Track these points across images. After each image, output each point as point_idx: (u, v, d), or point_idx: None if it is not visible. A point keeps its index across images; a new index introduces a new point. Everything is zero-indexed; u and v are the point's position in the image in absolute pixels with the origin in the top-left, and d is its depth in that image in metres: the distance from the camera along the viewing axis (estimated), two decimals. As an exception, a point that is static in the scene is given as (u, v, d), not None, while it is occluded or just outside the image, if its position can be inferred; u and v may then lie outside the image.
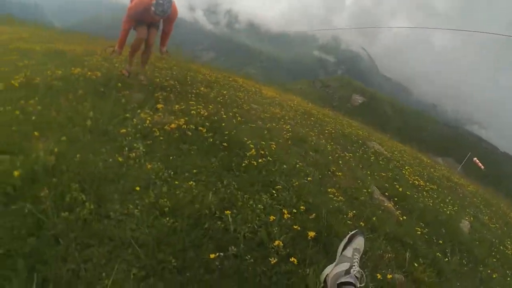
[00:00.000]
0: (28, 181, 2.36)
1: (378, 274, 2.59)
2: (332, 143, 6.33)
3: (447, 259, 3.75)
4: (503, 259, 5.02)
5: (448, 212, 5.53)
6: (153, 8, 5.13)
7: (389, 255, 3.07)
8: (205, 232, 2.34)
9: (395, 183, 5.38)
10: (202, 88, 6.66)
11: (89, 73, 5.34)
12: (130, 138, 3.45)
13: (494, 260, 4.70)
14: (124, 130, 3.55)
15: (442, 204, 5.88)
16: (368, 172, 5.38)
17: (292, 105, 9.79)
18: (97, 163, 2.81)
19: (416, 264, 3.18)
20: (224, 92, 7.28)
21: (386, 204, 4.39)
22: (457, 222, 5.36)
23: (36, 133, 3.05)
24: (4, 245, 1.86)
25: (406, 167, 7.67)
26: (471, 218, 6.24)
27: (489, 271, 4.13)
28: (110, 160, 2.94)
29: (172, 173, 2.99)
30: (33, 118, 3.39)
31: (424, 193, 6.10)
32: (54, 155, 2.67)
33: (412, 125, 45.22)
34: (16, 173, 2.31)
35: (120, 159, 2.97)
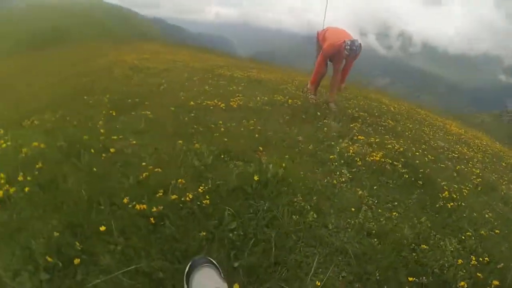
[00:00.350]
0: (263, 185, 3.09)
1: None
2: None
3: None
4: None
5: None
6: (346, 52, 6.03)
7: None
8: (402, 259, 2.76)
9: None
10: (389, 121, 7.04)
11: (290, 100, 6.30)
12: (336, 164, 4.10)
13: None
14: (332, 156, 4.22)
15: None
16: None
17: (479, 144, 9.36)
18: (315, 181, 3.50)
19: None
20: (410, 126, 7.53)
21: None
22: None
23: (261, 148, 3.90)
24: (245, 229, 2.52)
25: None
26: None
27: None
28: (325, 180, 3.60)
29: (376, 201, 3.50)
30: (256, 135, 4.30)
31: None
32: (282, 168, 3.39)
33: None
34: (256, 177, 3.07)
35: (334, 181, 3.63)
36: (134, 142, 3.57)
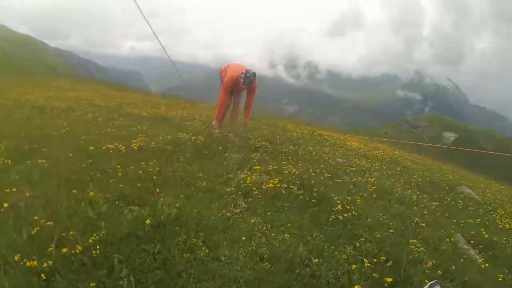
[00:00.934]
0: (156, 228, 3.04)
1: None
2: (418, 192, 6.47)
3: None
4: None
5: None
6: (242, 80, 6.70)
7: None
8: (296, 276, 2.83)
9: (482, 229, 5.34)
10: (290, 147, 7.35)
11: (193, 137, 6.36)
12: (233, 195, 4.16)
13: None
14: (229, 189, 4.27)
15: None
16: (454, 221, 5.42)
17: (377, 155, 10.02)
18: (209, 216, 3.51)
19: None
20: (311, 148, 7.93)
21: (470, 252, 4.47)
22: None
23: (157, 190, 3.85)
24: (136, 275, 2.46)
25: (499, 210, 7.39)
26: None
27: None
28: (220, 214, 3.63)
29: (269, 226, 3.58)
30: (154, 177, 4.24)
31: None
32: (176, 209, 3.36)
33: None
34: (147, 221, 3.02)
35: (228, 214, 3.66)
36: (28, 194, 3.33)
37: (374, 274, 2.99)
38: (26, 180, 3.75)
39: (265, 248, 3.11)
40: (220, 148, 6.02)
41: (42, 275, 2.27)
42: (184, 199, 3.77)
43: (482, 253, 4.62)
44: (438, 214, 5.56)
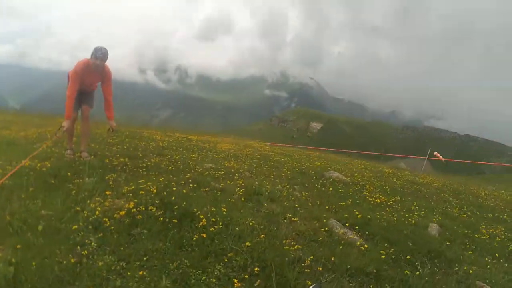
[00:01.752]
0: None
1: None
2: (288, 185, 6.43)
3: (418, 272, 3.79)
4: (480, 247, 5.17)
5: (413, 222, 5.66)
6: (93, 57, 5.82)
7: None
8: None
9: (354, 210, 5.45)
10: (153, 160, 6.75)
11: (39, 164, 5.34)
12: (82, 233, 3.45)
13: (470, 252, 4.83)
14: (75, 226, 3.54)
15: (407, 215, 6.01)
16: (327, 207, 5.46)
17: (247, 153, 9.94)
18: (53, 267, 2.83)
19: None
20: (177, 157, 7.40)
21: (347, 236, 4.46)
22: (424, 229, 5.48)
23: None
24: None
25: (367, 187, 7.82)
26: (439, 217, 6.41)
27: (465, 267, 4.18)
28: (64, 262, 2.94)
29: (124, 264, 2.99)
30: None
31: (387, 209, 6.22)
32: (12, 266, 2.71)
33: (373, 137, 46.33)
34: None
35: (72, 260, 2.97)
36: None
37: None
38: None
39: None
40: (69, 174, 5.12)
41: None
42: (22, 250, 3.03)
43: (359, 233, 4.68)
44: (310, 204, 5.54)
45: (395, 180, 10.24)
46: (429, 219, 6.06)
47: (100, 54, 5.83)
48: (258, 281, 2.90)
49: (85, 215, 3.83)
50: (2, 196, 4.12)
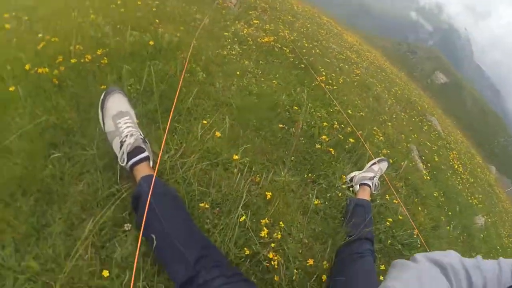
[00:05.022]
0: (158, 50, 3.42)
1: (387, 195, 3.60)
2: (393, 99, 7.23)
3: (448, 227, 4.36)
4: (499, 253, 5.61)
5: (470, 201, 6.22)
6: None
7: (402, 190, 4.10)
8: (276, 114, 3.44)
9: (435, 154, 6.25)
10: (289, 17, 7.65)
11: None
12: (229, 40, 4.60)
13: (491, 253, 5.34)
14: (226, 34, 4.69)
15: (469, 194, 6.57)
16: (415, 136, 6.31)
17: (369, 55, 10.57)
18: (207, 51, 3.95)
19: (419, 208, 4.05)
20: (308, 25, 8.25)
21: (418, 163, 5.37)
22: (474, 214, 5.99)
23: (157, 21, 4.15)
24: (144, 86, 2.85)
25: (454, 152, 8.42)
26: (489, 220, 6.71)
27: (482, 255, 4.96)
28: (216, 51, 4.09)
29: (260, 72, 4.11)
30: (154, 9, 4.53)
31: (459, 177, 6.83)
32: (176, 37, 3.75)
33: (486, 130, 43.52)
34: (151, 42, 3.39)
35: (224, 52, 4.14)
36: (27, 18, 3.57)
37: (339, 136, 3.68)
38: (21, 6, 3.85)
39: (254, 86, 3.67)
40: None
41: (54, 80, 2.56)
42: (183, 32, 4.11)
43: (427, 170, 5.51)
44: (404, 123, 6.38)
45: (479, 170, 10.56)
46: (480, 212, 6.46)
47: None
48: (350, 130, 3.93)
49: (233, 30, 4.96)
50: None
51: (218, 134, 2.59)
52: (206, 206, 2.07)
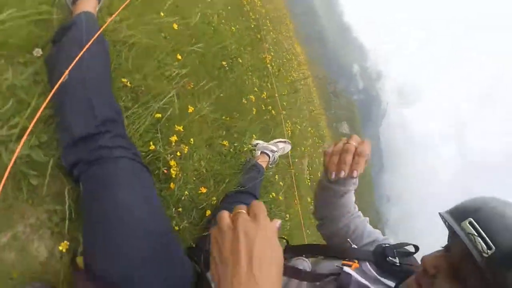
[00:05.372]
0: None
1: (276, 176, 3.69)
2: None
3: None
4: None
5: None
6: None
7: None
8: (222, 54, 3.42)
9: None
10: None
11: None
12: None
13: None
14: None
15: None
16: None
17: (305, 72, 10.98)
18: None
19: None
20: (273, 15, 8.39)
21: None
22: None
23: None
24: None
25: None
26: None
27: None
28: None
29: (225, 15, 4.05)
30: None
31: None
32: None
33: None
34: None
35: None
36: None
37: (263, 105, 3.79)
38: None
39: (217, 22, 3.66)
40: None
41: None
42: None
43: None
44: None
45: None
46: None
47: None
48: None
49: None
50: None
51: (175, 26, 2.48)
52: (128, 84, 1.89)
